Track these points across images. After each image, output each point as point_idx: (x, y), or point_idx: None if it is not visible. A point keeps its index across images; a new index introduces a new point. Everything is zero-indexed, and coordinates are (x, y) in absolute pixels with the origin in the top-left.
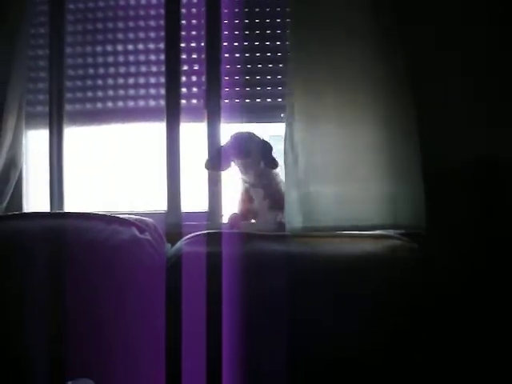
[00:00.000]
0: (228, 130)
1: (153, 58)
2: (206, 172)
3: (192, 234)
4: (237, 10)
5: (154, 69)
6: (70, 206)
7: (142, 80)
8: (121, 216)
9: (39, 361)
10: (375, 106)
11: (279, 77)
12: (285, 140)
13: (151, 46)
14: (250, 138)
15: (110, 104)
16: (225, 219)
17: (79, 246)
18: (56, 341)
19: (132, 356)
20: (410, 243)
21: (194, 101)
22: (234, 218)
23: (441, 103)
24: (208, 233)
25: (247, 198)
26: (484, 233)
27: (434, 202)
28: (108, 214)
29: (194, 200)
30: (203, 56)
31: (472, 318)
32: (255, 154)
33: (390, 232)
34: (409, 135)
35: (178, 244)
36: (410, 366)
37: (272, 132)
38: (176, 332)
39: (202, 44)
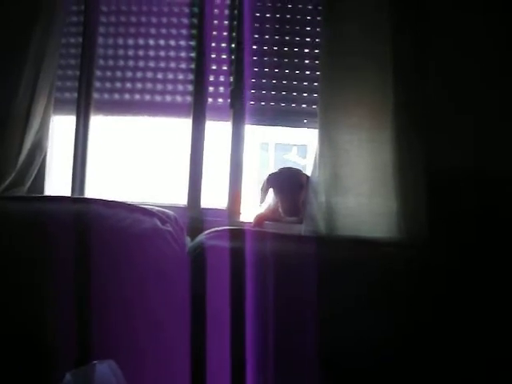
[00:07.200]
0: (251, 131)
1: (183, 54)
2: (227, 171)
3: (213, 229)
4: (268, 15)
5: (183, 65)
6: (91, 192)
7: (170, 75)
8: (143, 206)
9: (64, 343)
10: (389, 127)
11: (305, 83)
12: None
13: (182, 42)
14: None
15: (137, 96)
16: (243, 217)
17: (101, 231)
18: (79, 324)
19: (152, 341)
20: (412, 253)
21: (220, 100)
22: (259, 218)
23: (449, 126)
24: (229, 228)
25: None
26: (487, 245)
27: (437, 215)
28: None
29: (213, 197)
30: (232, 57)
31: (473, 327)
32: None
33: (392, 241)
34: (417, 153)
35: (199, 238)
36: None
37: (281, 140)
38: (198, 321)
39: (232, 45)
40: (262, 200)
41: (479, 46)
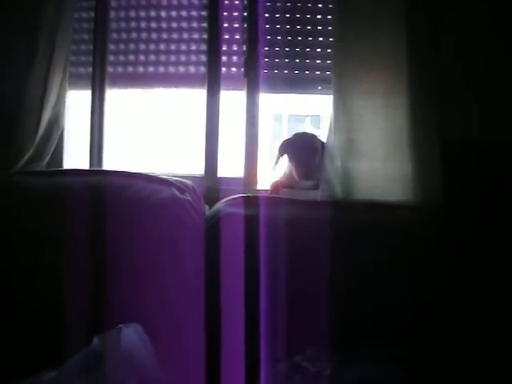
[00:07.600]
0: (266, 100)
1: (195, 25)
2: (242, 139)
3: (231, 197)
4: None
5: (195, 36)
6: (109, 165)
7: (183, 46)
8: (161, 176)
9: (79, 313)
10: (404, 93)
11: (318, 50)
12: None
13: (194, 13)
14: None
15: (151, 68)
16: (259, 185)
17: (120, 202)
18: (99, 291)
19: (170, 308)
20: (427, 216)
21: (234, 69)
22: (275, 185)
23: (462, 99)
24: (246, 195)
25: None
26: (498, 212)
27: (451, 180)
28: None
29: (229, 166)
30: (245, 25)
31: (489, 291)
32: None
33: (408, 205)
34: (431, 119)
35: (217, 205)
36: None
37: (294, 111)
38: (215, 288)
39: (245, 14)
40: (277, 167)
41: (490, 22)
